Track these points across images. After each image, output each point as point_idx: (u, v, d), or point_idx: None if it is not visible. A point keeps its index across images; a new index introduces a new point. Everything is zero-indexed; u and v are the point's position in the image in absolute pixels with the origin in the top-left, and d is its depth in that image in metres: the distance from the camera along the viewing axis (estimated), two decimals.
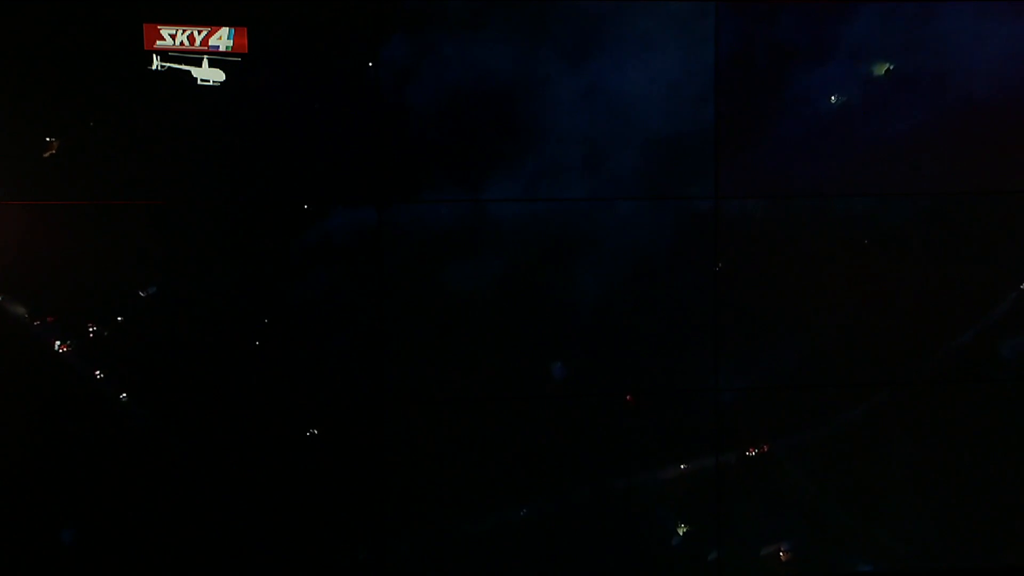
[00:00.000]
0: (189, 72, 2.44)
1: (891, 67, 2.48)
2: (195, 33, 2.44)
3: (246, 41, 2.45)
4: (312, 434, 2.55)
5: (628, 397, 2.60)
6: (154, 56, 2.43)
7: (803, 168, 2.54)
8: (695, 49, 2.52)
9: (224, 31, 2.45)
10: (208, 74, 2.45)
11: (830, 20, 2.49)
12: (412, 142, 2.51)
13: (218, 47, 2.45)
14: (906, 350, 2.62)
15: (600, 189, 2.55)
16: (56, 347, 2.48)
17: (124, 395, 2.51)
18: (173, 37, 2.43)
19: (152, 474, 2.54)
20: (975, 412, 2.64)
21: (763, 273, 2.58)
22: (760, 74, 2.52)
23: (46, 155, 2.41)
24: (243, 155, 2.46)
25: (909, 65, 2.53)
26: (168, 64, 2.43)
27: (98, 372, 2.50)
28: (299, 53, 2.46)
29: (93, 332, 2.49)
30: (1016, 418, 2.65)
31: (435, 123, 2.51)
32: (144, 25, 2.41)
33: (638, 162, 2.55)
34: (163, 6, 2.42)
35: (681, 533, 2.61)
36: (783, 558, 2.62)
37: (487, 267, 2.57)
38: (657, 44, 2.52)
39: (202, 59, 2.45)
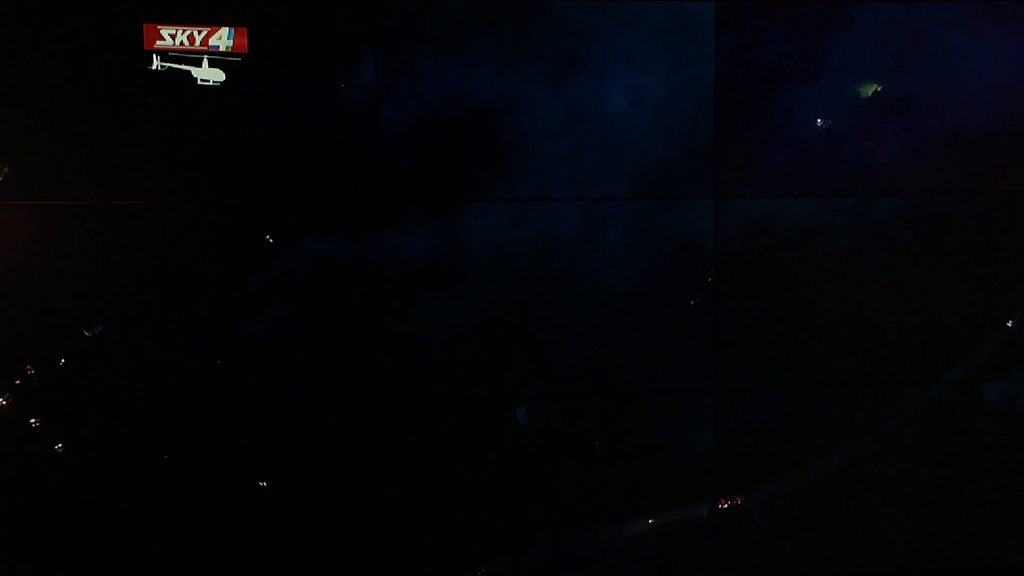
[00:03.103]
0: (189, 72, 2.45)
1: (879, 88, 2.54)
2: (195, 33, 2.44)
3: (246, 41, 2.46)
4: (262, 485, 2.50)
5: (598, 443, 2.59)
6: (154, 56, 2.43)
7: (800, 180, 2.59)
8: (689, 67, 2.55)
9: (224, 31, 2.45)
10: (208, 74, 2.46)
11: (826, 36, 2.54)
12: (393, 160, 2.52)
13: (218, 47, 2.46)
14: (888, 391, 2.63)
15: (591, 210, 2.56)
16: None
17: (59, 446, 2.45)
18: (173, 37, 2.43)
19: (90, 537, 2.47)
20: (959, 455, 2.67)
21: (765, 301, 2.60)
22: (758, 90, 2.55)
23: None
24: (242, 156, 2.48)
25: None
26: (168, 64, 2.44)
27: (33, 420, 2.43)
28: (293, 58, 2.47)
29: (32, 374, 2.42)
30: (1001, 466, 2.67)
31: (414, 145, 2.51)
32: (144, 25, 2.41)
33: (631, 178, 2.58)
34: (163, 6, 2.42)
35: None
36: None
37: (467, 297, 2.56)
38: (647, 63, 2.53)
39: (202, 59, 2.45)
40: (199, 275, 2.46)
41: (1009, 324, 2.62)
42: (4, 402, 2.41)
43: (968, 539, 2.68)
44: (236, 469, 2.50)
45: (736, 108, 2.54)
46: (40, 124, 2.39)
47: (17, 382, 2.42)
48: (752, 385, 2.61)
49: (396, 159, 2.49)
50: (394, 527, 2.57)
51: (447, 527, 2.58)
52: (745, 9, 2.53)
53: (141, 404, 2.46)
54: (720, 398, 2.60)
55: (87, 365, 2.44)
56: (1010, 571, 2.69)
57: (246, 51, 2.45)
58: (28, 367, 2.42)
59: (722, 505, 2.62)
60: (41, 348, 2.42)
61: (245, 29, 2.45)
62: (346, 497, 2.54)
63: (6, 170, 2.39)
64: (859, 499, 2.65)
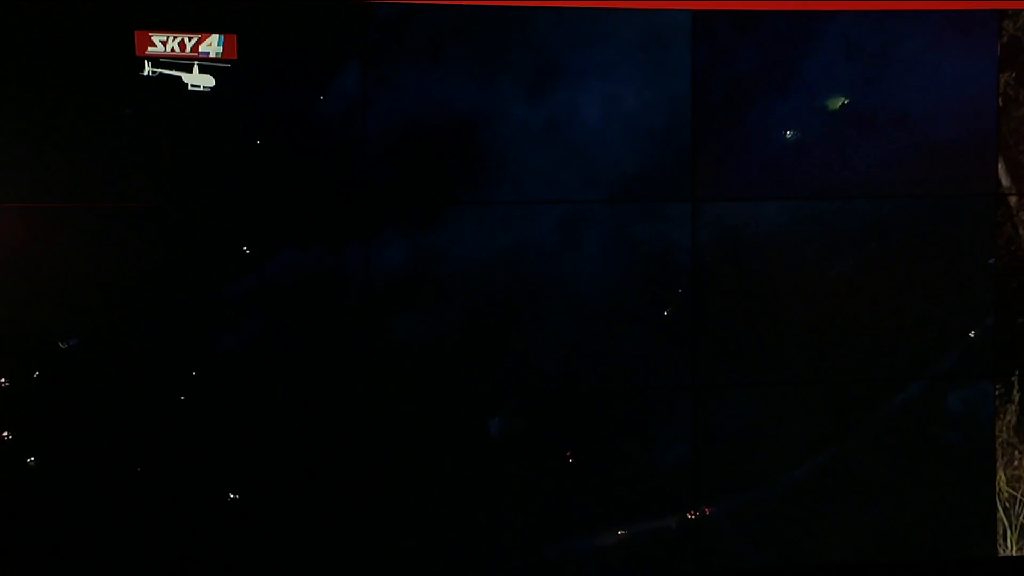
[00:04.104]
0: (180, 78, 2.49)
1: (846, 101, 2.67)
2: (186, 40, 2.48)
3: (236, 48, 2.51)
4: (234, 498, 2.54)
5: (568, 455, 2.66)
6: (146, 62, 2.47)
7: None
8: (667, 79, 2.64)
9: (215, 38, 2.50)
10: (199, 80, 2.50)
11: (793, 53, 2.67)
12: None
13: (208, 53, 2.50)
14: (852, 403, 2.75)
15: (574, 213, 2.63)
16: None
17: (32, 459, 2.46)
18: (164, 44, 2.48)
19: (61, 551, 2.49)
20: (922, 458, 2.77)
21: (740, 301, 2.69)
22: (733, 101, 2.65)
23: None
24: (232, 161, 2.52)
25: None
26: (159, 70, 2.48)
27: (6, 433, 2.44)
28: (281, 66, 2.53)
29: (6, 385, 2.43)
30: (962, 477, 2.78)
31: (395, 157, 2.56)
32: (136, 32, 2.45)
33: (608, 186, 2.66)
34: (155, 13, 2.46)
35: None
36: None
37: (449, 302, 2.62)
38: (625, 75, 2.62)
39: (193, 65, 2.50)
40: (185, 280, 2.51)
41: (972, 335, 2.75)
42: None
43: (927, 533, 2.81)
44: (222, 469, 2.55)
45: (712, 118, 2.65)
46: (30, 129, 2.43)
47: None
48: (727, 382, 2.72)
49: (379, 168, 2.56)
50: (380, 529, 2.63)
51: (431, 524, 2.65)
52: (719, 23, 2.64)
53: (120, 411, 2.50)
54: (697, 395, 2.72)
55: (64, 376, 2.46)
56: (969, 562, 2.84)
57: (236, 57, 2.50)
58: (1, 379, 2.45)
59: (691, 516, 2.71)
60: (14, 359, 2.45)
61: (235, 36, 2.50)
62: (326, 495, 2.60)
63: None
64: (829, 494, 2.76)
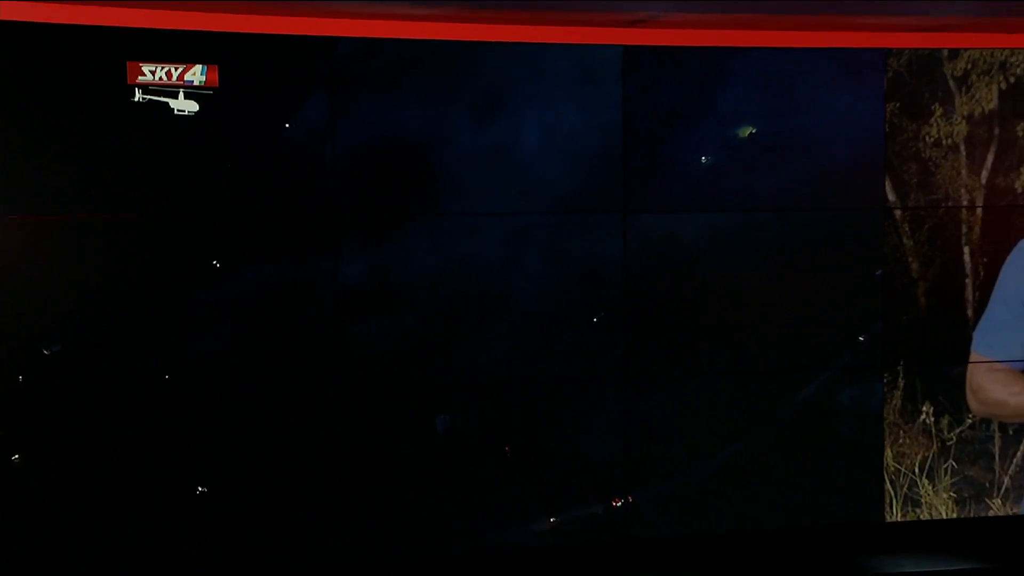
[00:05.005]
0: (167, 103, 2.74)
1: (753, 130, 3.04)
2: (172, 69, 2.70)
3: (217, 77, 2.76)
4: (201, 491, 2.69)
5: (506, 448, 2.92)
6: (136, 89, 2.72)
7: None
8: (600, 110, 2.96)
9: (198, 68, 2.73)
10: (184, 105, 2.74)
11: (710, 87, 3.03)
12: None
13: (192, 81, 2.75)
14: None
15: (522, 225, 2.92)
16: None
17: (16, 456, 2.55)
18: (153, 73, 2.70)
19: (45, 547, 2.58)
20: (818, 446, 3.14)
21: (665, 306, 3.02)
22: (659, 129, 2.98)
23: None
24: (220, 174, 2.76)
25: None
26: (148, 96, 2.75)
27: None
28: (256, 93, 2.77)
29: None
30: (856, 456, 3.14)
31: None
32: (128, 63, 2.67)
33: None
34: (144, 46, 2.69)
35: None
36: None
37: (405, 308, 2.86)
38: (565, 104, 2.92)
39: (178, 92, 2.76)
40: (162, 290, 2.70)
41: (861, 339, 3.12)
42: None
43: (825, 503, 3.20)
44: (194, 464, 2.74)
45: (640, 143, 2.98)
46: (29, 147, 2.62)
47: None
48: (653, 374, 3.06)
49: (342, 187, 2.82)
50: (340, 515, 2.84)
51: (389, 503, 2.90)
52: (647, 59, 2.97)
53: (99, 412, 2.65)
54: (628, 385, 3.05)
55: (47, 380, 2.59)
56: (861, 527, 3.23)
57: (217, 85, 2.74)
58: None
59: (615, 503, 3.01)
60: (0, 364, 2.57)
61: (216, 67, 2.74)
62: (290, 484, 2.80)
63: None
64: (743, 473, 3.10)
